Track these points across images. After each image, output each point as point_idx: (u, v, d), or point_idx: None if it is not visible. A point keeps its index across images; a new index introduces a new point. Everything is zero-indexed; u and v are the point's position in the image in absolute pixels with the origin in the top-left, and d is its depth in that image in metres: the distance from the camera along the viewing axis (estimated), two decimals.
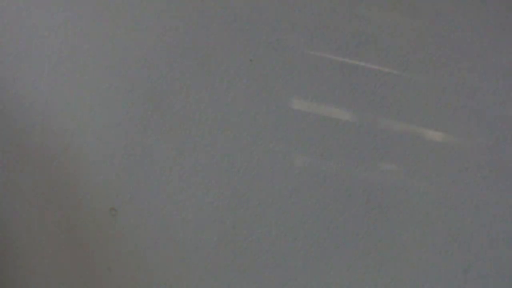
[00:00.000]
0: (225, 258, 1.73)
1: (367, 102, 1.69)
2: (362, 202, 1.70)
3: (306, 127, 1.70)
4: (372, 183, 1.70)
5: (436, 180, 1.69)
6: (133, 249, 1.73)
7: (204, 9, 1.70)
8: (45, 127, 1.72)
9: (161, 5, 1.70)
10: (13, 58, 1.72)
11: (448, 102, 1.67)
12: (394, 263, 1.70)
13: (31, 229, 1.74)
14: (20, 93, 1.72)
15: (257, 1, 1.69)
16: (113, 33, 1.71)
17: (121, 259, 1.74)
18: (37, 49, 1.72)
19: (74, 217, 1.73)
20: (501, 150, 1.67)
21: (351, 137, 1.70)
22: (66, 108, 1.72)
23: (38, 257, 1.75)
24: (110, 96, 1.72)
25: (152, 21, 1.70)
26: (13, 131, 1.73)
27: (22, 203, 1.74)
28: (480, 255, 1.68)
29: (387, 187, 1.70)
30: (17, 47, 1.72)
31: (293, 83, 1.70)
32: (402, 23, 1.67)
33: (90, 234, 1.73)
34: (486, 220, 1.68)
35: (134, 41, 1.71)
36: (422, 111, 1.68)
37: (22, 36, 1.72)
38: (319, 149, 1.71)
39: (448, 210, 1.69)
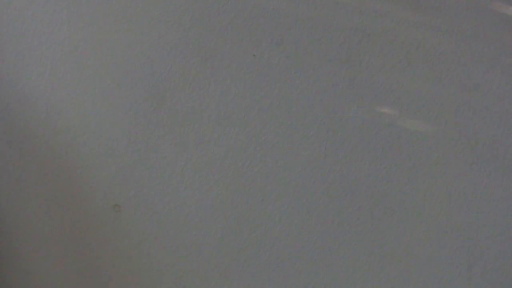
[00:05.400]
0: (228, 254, 1.73)
1: (371, 98, 1.68)
2: (366, 198, 1.70)
3: (309, 122, 1.70)
4: (376, 179, 1.69)
5: (441, 175, 1.68)
6: (137, 246, 1.74)
7: (206, 5, 1.69)
8: (48, 124, 1.72)
9: (164, 1, 1.69)
10: (16, 55, 1.72)
11: (452, 97, 1.66)
12: (398, 259, 1.70)
13: (35, 226, 1.75)
14: (23, 91, 1.72)
15: None
16: (116, 29, 1.71)
17: (125, 255, 1.74)
18: (40, 47, 1.71)
19: (78, 214, 1.74)
20: (506, 146, 1.65)
21: (355, 133, 1.69)
22: (69, 105, 1.72)
23: (42, 253, 1.75)
24: (113, 92, 1.72)
25: (155, 18, 1.70)
26: (16, 129, 1.73)
27: (25, 200, 1.74)
28: (485, 251, 1.68)
29: (391, 182, 1.69)
30: (19, 45, 1.72)
31: (296, 79, 1.69)
32: (406, 18, 1.65)
33: (94, 230, 1.74)
34: (490, 216, 1.67)
35: (137, 38, 1.71)
36: (426, 106, 1.67)
37: (25, 33, 1.71)
38: (323, 144, 1.70)
39: (453, 206, 1.68)
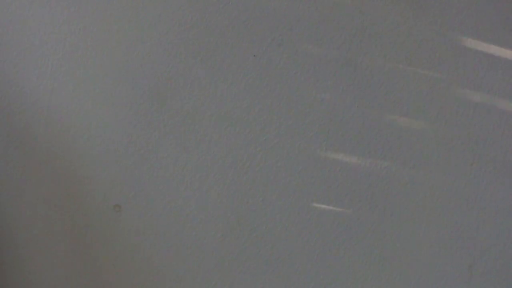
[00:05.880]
0: (229, 254, 1.73)
1: (372, 98, 1.68)
2: (366, 198, 1.70)
3: (310, 122, 1.70)
4: (377, 179, 1.69)
5: (441, 175, 1.68)
6: (137, 246, 1.74)
7: (207, 5, 1.69)
8: (49, 124, 1.72)
9: (165, 1, 1.70)
10: (17, 55, 1.72)
11: (453, 97, 1.66)
12: (399, 259, 1.70)
13: (34, 226, 1.75)
14: (24, 90, 1.72)
15: None
16: (117, 29, 1.71)
17: (125, 255, 1.74)
18: (41, 46, 1.72)
19: (78, 214, 1.74)
20: (506, 146, 1.66)
21: (356, 132, 1.69)
22: (70, 105, 1.72)
23: (42, 254, 1.75)
24: (113, 92, 1.72)
25: (156, 18, 1.70)
26: (16, 129, 1.73)
27: (25, 200, 1.74)
28: (485, 251, 1.68)
29: (391, 182, 1.69)
30: (20, 44, 1.72)
31: (297, 79, 1.70)
32: (406, 18, 1.65)
33: (94, 231, 1.74)
34: (491, 215, 1.67)
35: (137, 38, 1.71)
36: (427, 106, 1.67)
37: (26, 33, 1.71)
38: (323, 144, 1.70)
39: (453, 206, 1.68)
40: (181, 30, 1.70)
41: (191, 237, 1.73)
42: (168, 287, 1.75)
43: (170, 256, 1.74)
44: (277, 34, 1.69)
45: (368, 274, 1.71)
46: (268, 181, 1.72)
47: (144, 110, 1.72)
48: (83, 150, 1.73)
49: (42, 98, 1.72)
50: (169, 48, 1.71)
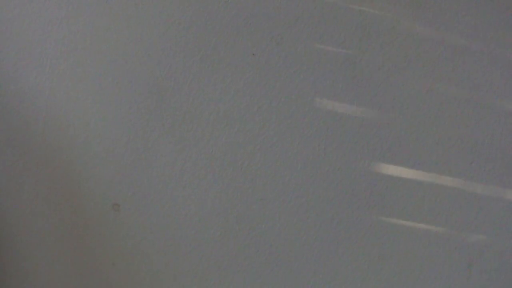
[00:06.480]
0: (228, 253, 1.73)
1: (371, 97, 1.68)
2: (365, 197, 1.70)
3: (309, 121, 1.70)
4: (376, 178, 1.69)
5: (441, 175, 1.68)
6: (136, 244, 1.74)
7: (206, 3, 1.68)
8: (47, 122, 1.71)
9: (164, 1, 1.69)
10: (15, 53, 1.71)
11: (452, 97, 1.66)
12: (398, 258, 1.70)
13: (34, 225, 1.75)
14: (22, 89, 1.72)
15: None
16: (116, 28, 1.70)
17: (125, 254, 1.74)
18: (39, 44, 1.71)
19: (77, 213, 1.74)
20: (506, 144, 1.66)
21: (355, 132, 1.69)
22: (69, 103, 1.72)
23: (42, 253, 1.75)
24: (112, 91, 1.71)
25: (155, 16, 1.69)
26: (15, 128, 1.72)
27: (24, 199, 1.74)
28: (484, 250, 1.68)
29: (390, 181, 1.69)
30: (19, 42, 1.71)
31: (295, 78, 1.69)
32: (406, 18, 1.65)
33: (93, 230, 1.74)
34: (490, 214, 1.67)
35: (136, 36, 1.70)
36: (426, 105, 1.67)
37: (24, 31, 1.71)
38: (322, 143, 1.70)
39: (452, 205, 1.68)
40: (181, 29, 1.69)
41: (189, 236, 1.73)
42: (167, 286, 1.75)
43: (169, 255, 1.74)
44: (276, 33, 1.68)
45: (367, 273, 1.71)
46: (267, 180, 1.72)
47: (143, 109, 1.71)
48: (81, 149, 1.72)
49: (41, 97, 1.71)
50: (168, 46, 1.70)
